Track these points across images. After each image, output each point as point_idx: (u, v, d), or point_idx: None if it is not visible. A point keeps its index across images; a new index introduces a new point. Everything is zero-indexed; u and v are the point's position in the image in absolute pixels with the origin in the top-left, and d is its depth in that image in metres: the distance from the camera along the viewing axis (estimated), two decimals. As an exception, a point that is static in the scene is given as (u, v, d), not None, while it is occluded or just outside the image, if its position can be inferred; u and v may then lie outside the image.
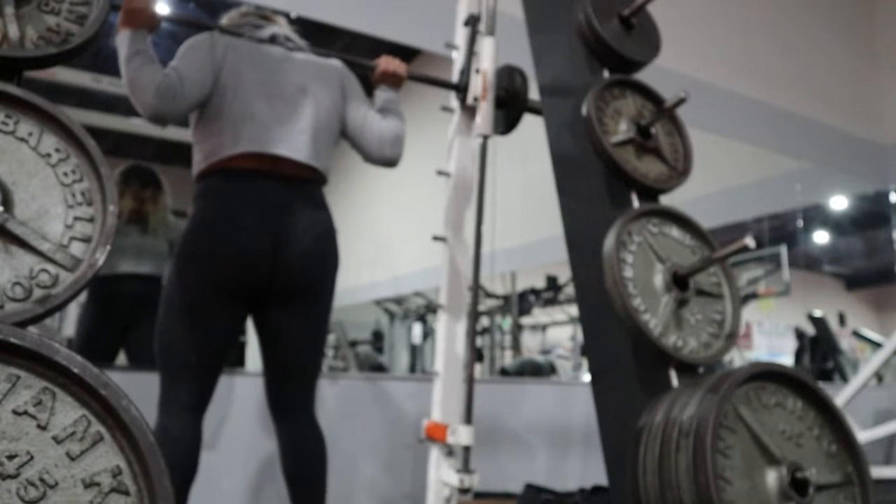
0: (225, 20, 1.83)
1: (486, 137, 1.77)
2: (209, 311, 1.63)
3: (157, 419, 1.59)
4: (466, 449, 1.64)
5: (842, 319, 7.55)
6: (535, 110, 1.89)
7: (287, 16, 1.91)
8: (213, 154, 1.65)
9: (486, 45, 1.81)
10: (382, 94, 1.85)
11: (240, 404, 2.24)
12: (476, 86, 1.83)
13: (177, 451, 1.55)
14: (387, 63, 1.84)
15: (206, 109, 1.66)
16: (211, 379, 1.65)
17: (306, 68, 1.76)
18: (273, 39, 1.72)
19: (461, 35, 2.00)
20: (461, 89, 1.90)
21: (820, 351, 5.05)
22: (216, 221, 1.62)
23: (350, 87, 1.82)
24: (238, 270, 1.60)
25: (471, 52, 1.87)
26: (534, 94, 1.87)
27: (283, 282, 1.65)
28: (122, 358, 2.80)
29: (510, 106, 1.91)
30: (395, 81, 1.85)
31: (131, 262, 2.75)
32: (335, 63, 1.82)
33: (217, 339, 1.65)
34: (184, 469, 1.55)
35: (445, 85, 1.92)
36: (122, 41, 1.55)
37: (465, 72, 1.88)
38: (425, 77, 1.93)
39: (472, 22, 1.89)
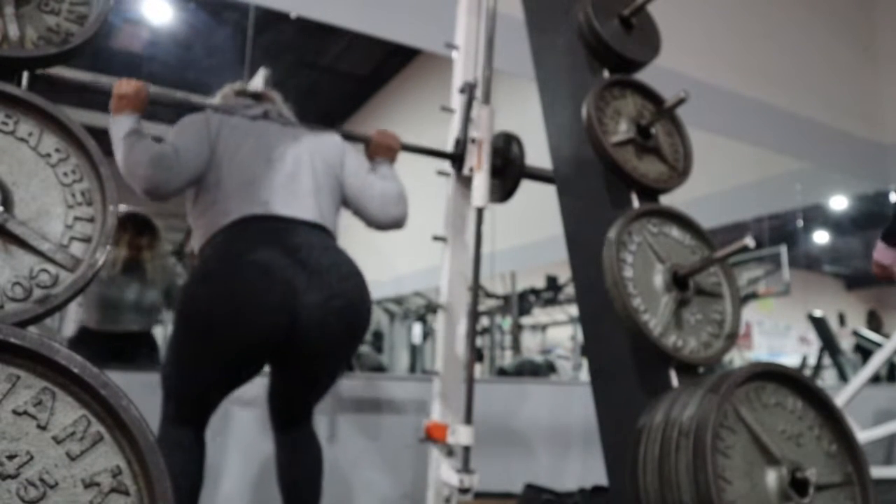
0: (218, 97, 1.82)
1: (481, 209, 1.76)
2: (214, 369, 1.54)
3: (159, 430, 1.57)
4: (466, 449, 1.64)
5: (842, 319, 7.55)
6: (533, 176, 1.88)
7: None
8: (213, 225, 1.57)
9: (482, 115, 1.80)
10: (378, 166, 1.80)
11: (240, 404, 2.24)
12: (472, 156, 1.82)
13: (176, 462, 1.52)
14: (381, 137, 1.81)
15: (204, 183, 1.60)
16: (216, 403, 1.63)
17: (302, 140, 1.72)
18: (265, 116, 1.70)
19: (461, 34, 2.00)
20: (456, 159, 1.88)
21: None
22: (223, 270, 1.49)
23: (347, 154, 1.77)
24: (248, 330, 1.46)
25: (466, 119, 1.85)
26: (531, 159, 1.87)
27: (305, 342, 1.51)
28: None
29: (507, 174, 1.89)
30: (389, 154, 1.81)
31: (127, 318, 2.76)
32: (331, 135, 1.79)
33: (224, 387, 1.60)
34: (186, 480, 1.54)
35: (441, 155, 1.89)
36: (115, 125, 1.53)
37: (461, 141, 1.86)
38: (420, 148, 1.89)
39: (468, 89, 1.86)
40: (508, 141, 1.90)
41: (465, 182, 1.87)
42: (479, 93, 1.85)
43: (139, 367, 2.67)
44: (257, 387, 1.78)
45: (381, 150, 1.81)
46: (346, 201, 1.75)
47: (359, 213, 1.75)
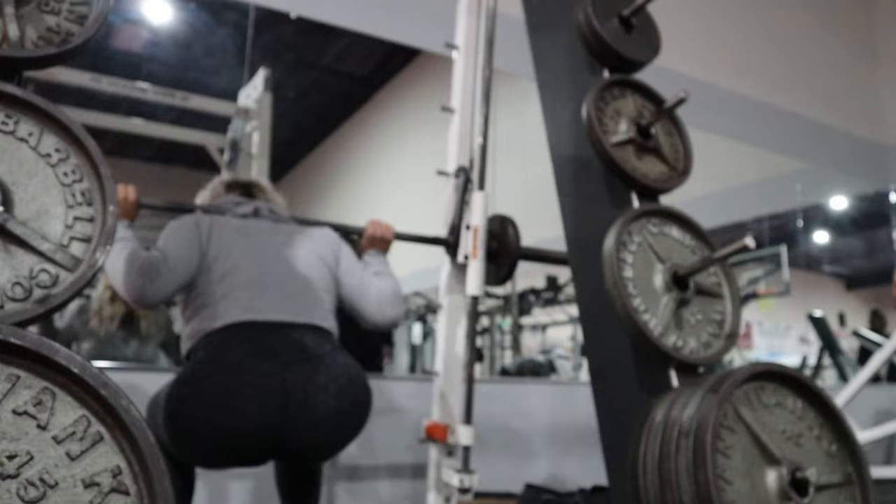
0: (207, 192, 1.80)
1: (476, 298, 1.75)
2: (199, 463, 1.52)
3: None
4: (466, 449, 1.64)
5: (842, 319, 7.55)
6: (529, 257, 1.87)
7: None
8: (203, 330, 1.50)
9: (476, 201, 1.79)
10: (372, 258, 1.77)
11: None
12: (467, 243, 1.81)
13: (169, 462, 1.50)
14: (374, 228, 1.79)
15: (195, 286, 1.55)
16: None
17: (295, 237, 1.67)
18: (256, 213, 1.67)
19: (461, 35, 2.00)
20: (451, 245, 1.86)
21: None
22: (210, 382, 1.39)
23: (342, 252, 1.72)
24: (238, 443, 1.39)
25: (461, 205, 1.84)
26: (526, 241, 1.86)
27: (298, 447, 1.45)
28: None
29: (502, 259, 1.87)
30: (382, 245, 1.80)
31: None
32: (324, 230, 1.74)
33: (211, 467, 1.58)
34: (180, 479, 1.54)
35: (436, 242, 1.88)
36: None
37: (455, 228, 1.85)
38: (415, 237, 1.89)
39: (462, 174, 1.85)
40: (504, 224, 1.88)
41: (460, 268, 1.85)
42: (473, 177, 1.83)
43: (139, 367, 2.68)
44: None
45: (375, 242, 1.79)
46: (340, 299, 1.69)
47: (354, 312, 1.70)
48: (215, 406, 1.37)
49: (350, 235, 1.87)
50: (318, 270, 1.63)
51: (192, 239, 1.55)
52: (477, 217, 1.76)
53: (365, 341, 3.73)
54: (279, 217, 1.71)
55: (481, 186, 1.81)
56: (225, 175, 1.84)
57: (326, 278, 1.64)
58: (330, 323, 1.60)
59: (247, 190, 1.80)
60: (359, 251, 1.82)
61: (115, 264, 1.47)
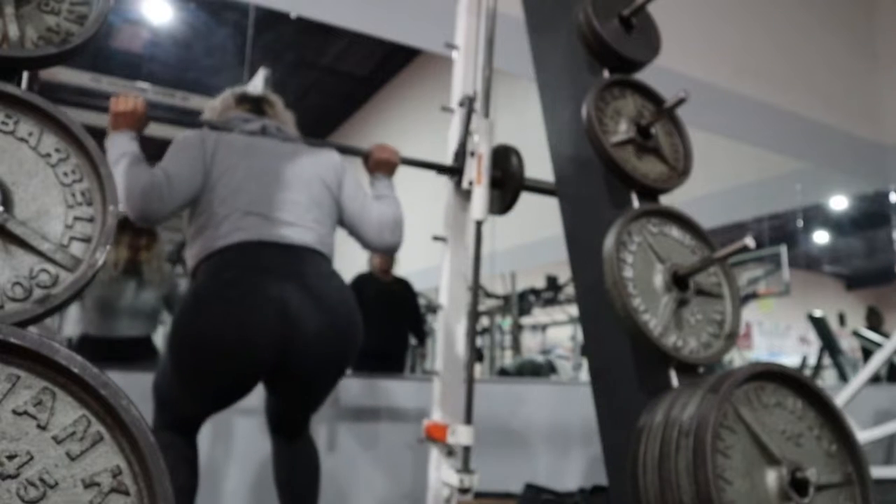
0: (218, 103, 1.80)
1: (480, 223, 1.75)
2: (205, 393, 1.54)
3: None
4: (466, 449, 1.64)
5: (842, 319, 7.55)
6: (532, 189, 1.88)
7: (281, 101, 1.85)
8: (206, 248, 1.55)
9: (482, 128, 1.79)
10: (377, 181, 1.79)
11: (240, 404, 2.24)
12: (471, 170, 1.81)
13: (174, 458, 1.52)
14: (380, 151, 1.80)
15: (199, 205, 1.59)
16: (208, 418, 1.63)
17: (300, 158, 1.69)
18: (263, 131, 1.68)
19: (461, 34, 2.00)
20: (456, 172, 1.87)
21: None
22: (213, 298, 1.48)
23: (345, 175, 1.75)
24: (240, 354, 1.46)
25: (466, 132, 1.85)
26: (530, 171, 1.87)
27: (295, 367, 1.52)
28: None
29: (506, 187, 1.89)
30: (388, 169, 1.81)
31: (126, 324, 2.76)
32: (329, 151, 1.76)
33: (215, 408, 1.60)
34: (184, 477, 1.54)
35: (440, 169, 1.89)
36: (110, 145, 1.53)
37: (460, 155, 1.85)
38: (419, 162, 1.89)
39: (467, 102, 1.86)
40: (507, 153, 1.90)
41: (465, 195, 1.87)
42: (478, 105, 1.84)
43: (139, 367, 2.68)
44: (257, 395, 1.78)
45: (380, 166, 1.79)
46: (342, 222, 1.72)
47: (354, 235, 1.74)
48: (218, 319, 1.44)
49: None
50: (321, 193, 1.67)
51: (196, 157, 1.58)
52: (482, 144, 1.78)
53: (394, 339, 3.75)
54: (286, 136, 1.72)
55: (487, 114, 1.82)
56: (236, 88, 1.85)
57: (328, 202, 1.68)
58: (328, 247, 1.65)
59: (257, 105, 1.80)
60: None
61: (121, 180, 1.49)
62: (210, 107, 1.83)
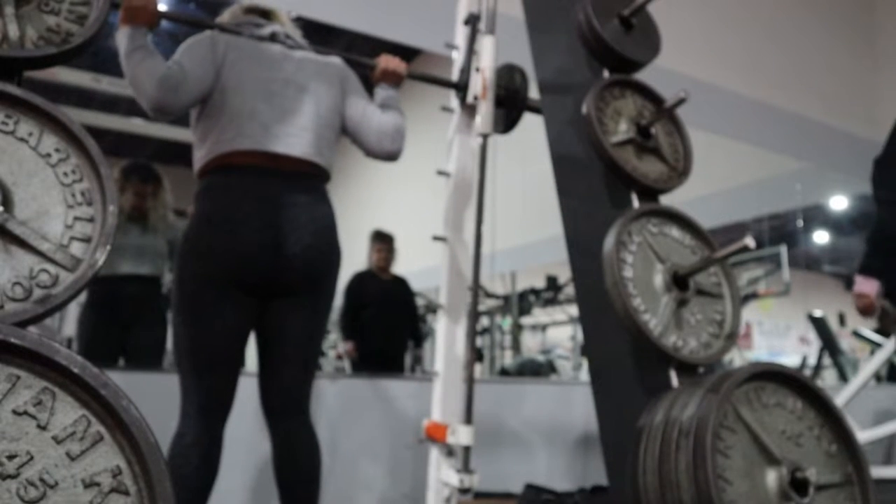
0: (227, 16, 1.83)
1: (486, 136, 1.77)
2: (214, 306, 1.61)
3: (177, 426, 1.58)
4: (466, 449, 1.64)
5: (842, 319, 7.54)
6: (535, 109, 1.89)
7: (291, 16, 1.90)
8: (212, 151, 1.64)
9: (485, 44, 1.81)
10: (382, 91, 1.84)
11: (240, 404, 2.24)
12: (476, 84, 1.83)
13: (189, 460, 1.53)
14: (386, 61, 1.83)
15: (207, 107, 1.66)
16: (226, 378, 1.63)
17: (306, 66, 1.75)
18: (273, 37, 1.72)
19: (461, 34, 2.00)
20: (461, 88, 1.89)
21: None
22: (216, 217, 1.61)
23: (350, 84, 1.82)
24: (239, 265, 1.60)
25: (471, 51, 1.87)
26: (533, 92, 1.87)
27: (285, 276, 1.64)
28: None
29: (510, 105, 1.91)
30: (394, 79, 1.85)
31: (131, 263, 2.76)
32: (335, 60, 1.82)
33: (226, 333, 1.63)
34: (197, 478, 1.54)
35: (445, 83, 1.91)
36: (122, 38, 1.55)
37: (465, 70, 1.88)
38: (425, 76, 1.93)
39: (471, 21, 1.88)
40: (511, 71, 1.91)
41: (470, 112, 1.88)
42: (482, 25, 1.85)
43: (139, 367, 2.68)
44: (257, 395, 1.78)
45: (386, 75, 1.83)
46: (344, 129, 1.80)
47: (355, 141, 1.81)
48: (222, 239, 1.59)
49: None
50: (324, 102, 1.73)
51: (207, 57, 1.63)
52: (486, 60, 1.79)
53: (393, 339, 3.74)
54: (294, 42, 1.76)
55: (491, 31, 1.83)
56: (246, 3, 1.88)
57: (331, 110, 1.75)
58: (326, 158, 1.73)
59: (265, 14, 1.84)
60: (370, 87, 1.87)
61: (137, 73, 1.53)
62: (219, 18, 1.86)
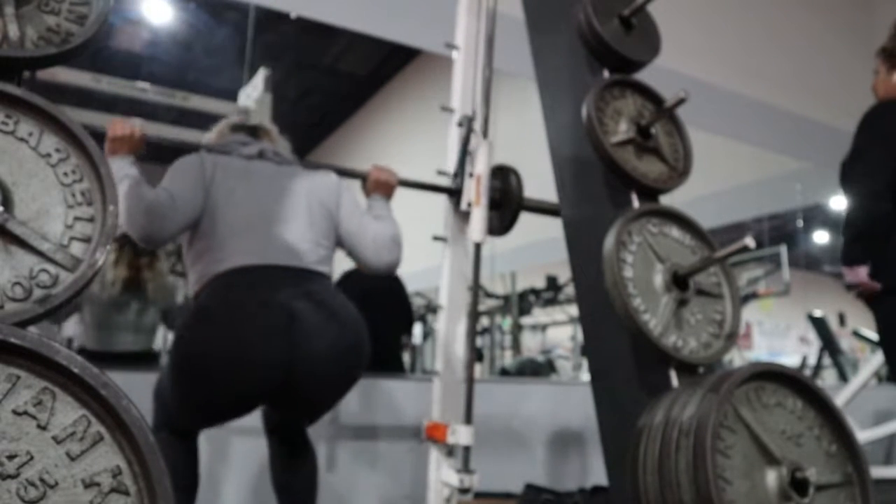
0: (214, 134, 1.80)
1: (479, 245, 1.75)
2: (207, 410, 1.54)
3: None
4: (466, 449, 1.64)
5: (842, 319, 7.54)
6: (531, 208, 1.88)
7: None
8: (208, 272, 1.54)
9: (481, 149, 1.78)
10: (375, 202, 1.77)
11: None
12: (470, 191, 1.80)
13: (173, 456, 1.53)
14: (378, 173, 1.78)
15: (199, 229, 1.57)
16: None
17: (298, 179, 1.68)
18: (261, 155, 1.68)
19: (461, 34, 2.00)
20: (454, 193, 1.87)
21: None
22: (217, 320, 1.45)
23: (343, 195, 1.73)
24: (246, 376, 1.45)
25: (464, 153, 1.84)
26: (529, 191, 1.86)
27: (302, 383, 1.49)
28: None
29: (505, 207, 1.88)
30: (386, 190, 1.79)
31: (129, 339, 2.74)
32: (327, 173, 1.76)
33: (218, 423, 1.61)
34: (183, 476, 1.55)
35: (439, 189, 1.88)
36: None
37: (459, 175, 1.85)
38: (418, 184, 1.88)
39: (466, 123, 1.85)
40: (507, 174, 1.89)
41: (463, 216, 1.86)
42: (477, 125, 1.83)
43: (139, 367, 2.68)
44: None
45: (378, 186, 1.78)
46: (340, 242, 1.71)
47: (352, 255, 1.72)
48: (223, 340, 1.42)
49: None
50: (319, 215, 1.66)
51: (196, 179, 1.57)
52: (480, 165, 1.77)
53: (384, 338, 3.71)
54: (283, 159, 1.72)
55: (485, 135, 1.81)
56: (231, 117, 1.85)
57: (326, 223, 1.67)
58: (327, 268, 1.65)
59: (252, 132, 1.80)
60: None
61: (123, 203, 1.47)
62: (206, 136, 1.83)
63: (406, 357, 4.34)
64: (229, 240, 1.54)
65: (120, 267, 2.71)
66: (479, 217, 1.74)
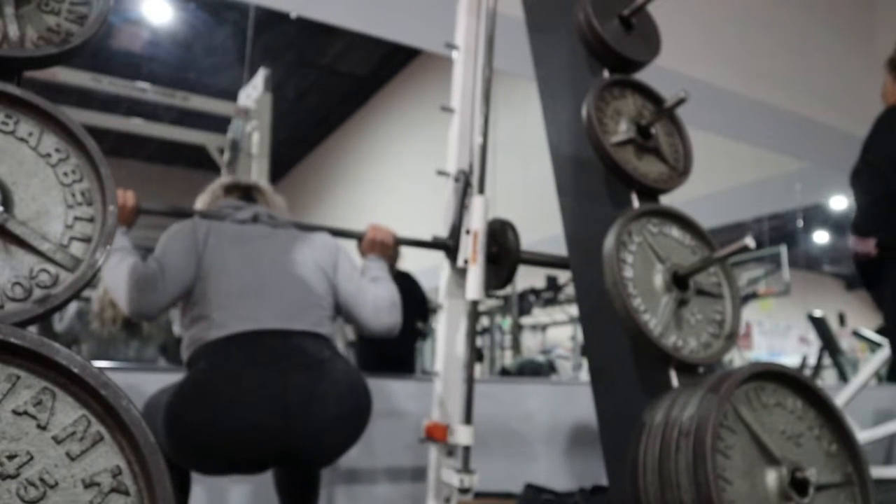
0: (207, 196, 1.79)
1: (476, 303, 1.74)
2: (202, 471, 1.53)
3: None
4: (466, 449, 1.64)
5: (842, 319, 7.54)
6: (529, 262, 1.86)
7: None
8: (202, 339, 1.50)
9: (476, 205, 1.77)
10: (371, 263, 1.75)
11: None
12: (466, 248, 1.78)
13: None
14: (374, 232, 1.77)
15: (193, 295, 1.54)
16: None
17: (293, 242, 1.66)
18: (255, 219, 1.66)
19: (461, 34, 2.00)
20: (451, 250, 1.85)
21: None
22: (211, 392, 1.40)
23: (340, 259, 1.70)
24: (239, 453, 1.41)
25: (461, 208, 1.83)
26: (525, 242, 1.86)
27: (299, 455, 1.46)
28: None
29: (502, 262, 1.86)
30: (383, 251, 1.77)
31: None
32: (323, 236, 1.73)
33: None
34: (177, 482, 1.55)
35: (435, 246, 1.86)
36: None
37: (455, 231, 1.83)
38: (415, 241, 1.87)
39: (462, 178, 1.84)
40: (504, 228, 1.88)
41: (460, 272, 1.84)
42: (473, 180, 1.82)
43: (139, 367, 2.68)
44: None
45: (375, 247, 1.76)
46: (337, 306, 1.68)
47: (350, 318, 1.69)
48: (216, 414, 1.37)
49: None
50: (316, 277, 1.62)
51: (189, 247, 1.54)
52: (476, 221, 1.75)
53: (399, 339, 3.70)
54: (278, 222, 1.69)
55: (481, 190, 1.80)
56: (225, 178, 1.82)
57: (324, 285, 1.63)
58: (328, 329, 1.59)
59: (246, 193, 1.79)
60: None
61: (114, 277, 1.46)
62: (200, 198, 1.80)
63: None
64: (223, 306, 1.50)
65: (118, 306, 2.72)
66: (475, 275, 1.71)
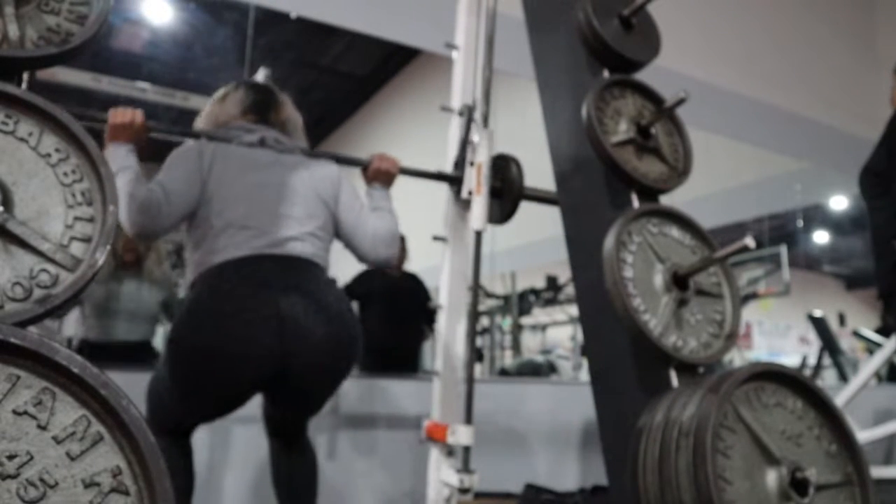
0: (221, 94, 1.78)
1: (479, 232, 1.75)
2: (203, 404, 1.55)
3: None
4: (466, 449, 1.64)
5: (842, 319, 7.54)
6: (532, 197, 1.88)
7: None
8: (203, 263, 1.55)
9: (482, 138, 1.78)
10: (375, 192, 1.77)
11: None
12: (471, 180, 1.81)
13: (167, 458, 1.53)
14: (379, 161, 1.78)
15: (196, 218, 1.58)
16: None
17: (297, 170, 1.68)
18: (262, 143, 1.66)
19: (461, 34, 2.00)
20: (455, 182, 1.87)
21: None
22: (210, 312, 1.47)
23: (342, 187, 1.73)
24: (238, 369, 1.47)
25: (465, 143, 1.84)
26: (529, 180, 1.87)
27: (294, 375, 1.52)
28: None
29: (506, 196, 1.88)
30: (387, 179, 1.78)
31: (124, 327, 2.73)
32: (327, 163, 1.75)
33: (213, 416, 1.61)
34: (179, 477, 1.56)
35: (440, 178, 1.88)
36: (108, 156, 1.50)
37: (460, 164, 1.85)
38: (420, 172, 1.88)
39: (466, 112, 1.85)
40: (507, 162, 1.89)
41: (464, 204, 1.86)
42: (477, 115, 1.84)
43: (139, 367, 2.68)
44: (255, 401, 1.78)
45: (379, 175, 1.77)
46: (337, 234, 1.72)
47: (349, 247, 1.73)
48: (215, 333, 1.44)
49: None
50: (317, 206, 1.66)
51: (193, 170, 1.57)
52: (482, 154, 1.77)
53: (405, 335, 3.70)
54: (284, 147, 1.70)
55: (486, 124, 1.81)
56: (241, 90, 1.80)
57: (324, 214, 1.67)
58: (324, 259, 1.65)
59: (264, 109, 1.75)
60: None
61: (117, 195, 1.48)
62: (211, 106, 1.79)
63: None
64: (225, 231, 1.55)
65: (120, 240, 2.70)
66: (480, 205, 1.74)
